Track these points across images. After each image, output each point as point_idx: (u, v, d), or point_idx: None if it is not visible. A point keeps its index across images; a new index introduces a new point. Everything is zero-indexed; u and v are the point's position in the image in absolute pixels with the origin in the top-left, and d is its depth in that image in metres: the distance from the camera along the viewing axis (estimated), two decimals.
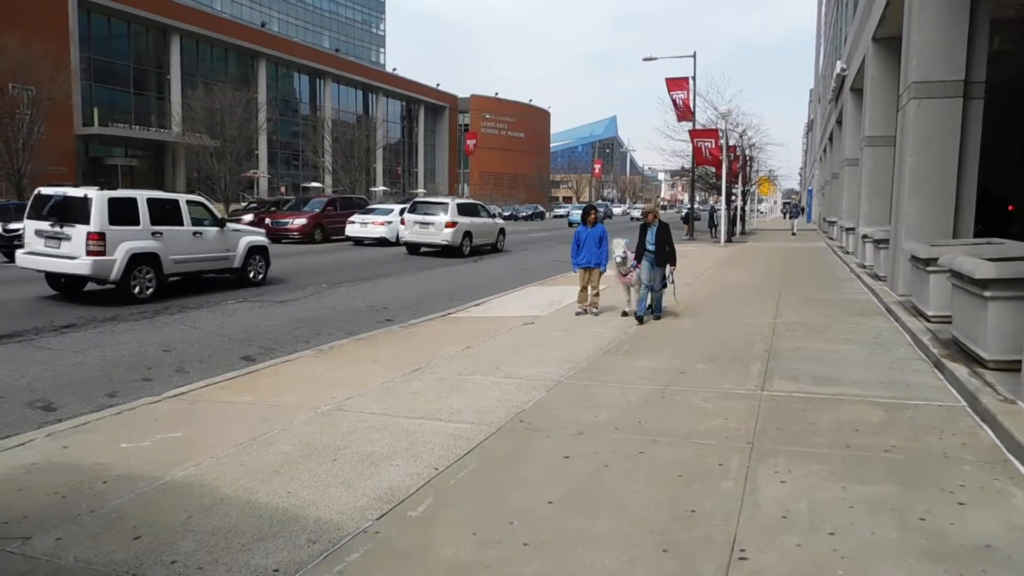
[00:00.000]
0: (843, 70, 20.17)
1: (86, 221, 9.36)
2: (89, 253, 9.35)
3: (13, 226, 14.77)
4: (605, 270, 8.57)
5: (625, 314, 8.30)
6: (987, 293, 5.12)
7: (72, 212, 9.52)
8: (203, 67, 46.03)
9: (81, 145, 37.93)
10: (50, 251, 9.69)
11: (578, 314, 8.53)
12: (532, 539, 2.89)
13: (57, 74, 28.52)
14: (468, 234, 18.65)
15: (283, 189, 49.24)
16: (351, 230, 21.92)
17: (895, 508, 3.13)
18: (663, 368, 5.84)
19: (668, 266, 8.08)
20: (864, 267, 13.23)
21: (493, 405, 4.76)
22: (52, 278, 10.30)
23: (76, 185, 11.49)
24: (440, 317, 8.67)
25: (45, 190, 10.15)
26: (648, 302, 8.16)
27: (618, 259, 8.15)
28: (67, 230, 9.47)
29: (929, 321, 7.28)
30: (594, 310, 8.60)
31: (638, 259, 8.12)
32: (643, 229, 8.24)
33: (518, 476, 3.57)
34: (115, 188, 11.16)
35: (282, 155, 53.59)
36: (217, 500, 3.27)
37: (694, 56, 26.24)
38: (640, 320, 7.94)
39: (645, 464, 3.72)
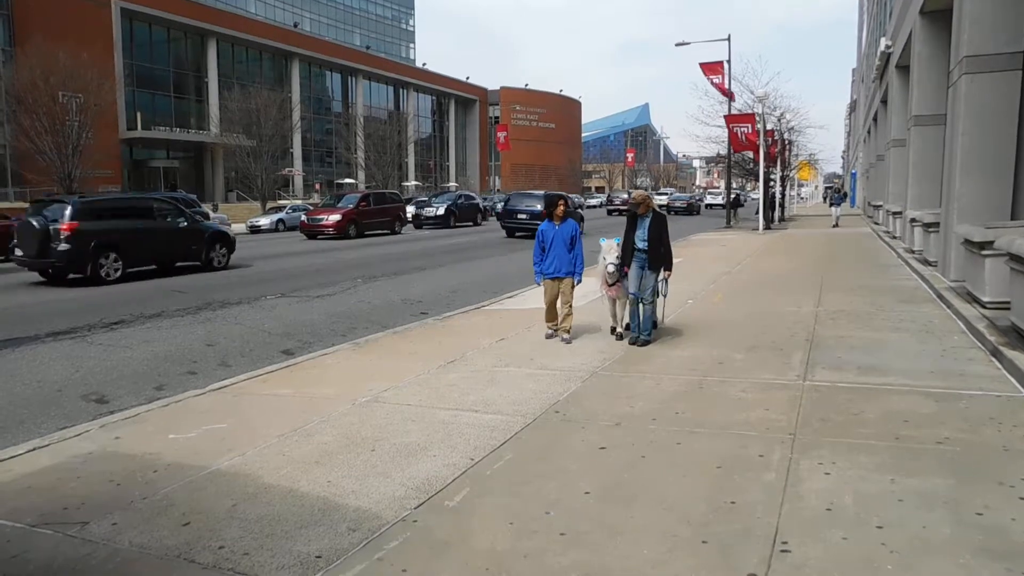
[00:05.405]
0: (888, 47, 19.36)
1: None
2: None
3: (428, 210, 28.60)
4: (580, 280, 6.59)
5: (618, 334, 6.55)
6: None
7: None
8: (239, 69, 47.24)
9: (126, 149, 39.48)
10: None
11: (549, 337, 6.61)
12: (569, 529, 2.88)
13: (103, 81, 29.68)
14: None
15: (318, 186, 50.22)
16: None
17: (949, 502, 3.00)
18: (700, 358, 5.73)
19: (663, 271, 6.30)
20: (912, 252, 12.71)
21: (528, 396, 4.76)
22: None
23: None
24: (474, 309, 8.71)
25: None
26: (638, 317, 6.33)
27: (610, 268, 6.28)
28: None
29: (985, 307, 6.95)
30: (564, 335, 6.51)
31: (625, 261, 6.32)
32: (631, 222, 6.38)
33: (554, 467, 3.56)
34: None
35: (316, 152, 54.63)
36: (261, 489, 3.36)
37: (728, 39, 25.61)
38: (634, 341, 6.29)
39: (683, 455, 3.66)
